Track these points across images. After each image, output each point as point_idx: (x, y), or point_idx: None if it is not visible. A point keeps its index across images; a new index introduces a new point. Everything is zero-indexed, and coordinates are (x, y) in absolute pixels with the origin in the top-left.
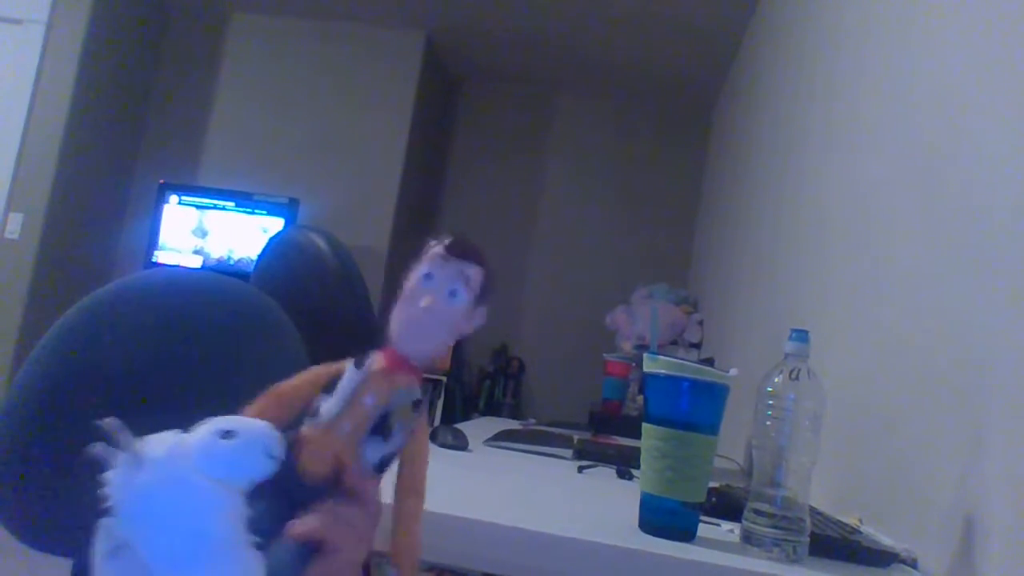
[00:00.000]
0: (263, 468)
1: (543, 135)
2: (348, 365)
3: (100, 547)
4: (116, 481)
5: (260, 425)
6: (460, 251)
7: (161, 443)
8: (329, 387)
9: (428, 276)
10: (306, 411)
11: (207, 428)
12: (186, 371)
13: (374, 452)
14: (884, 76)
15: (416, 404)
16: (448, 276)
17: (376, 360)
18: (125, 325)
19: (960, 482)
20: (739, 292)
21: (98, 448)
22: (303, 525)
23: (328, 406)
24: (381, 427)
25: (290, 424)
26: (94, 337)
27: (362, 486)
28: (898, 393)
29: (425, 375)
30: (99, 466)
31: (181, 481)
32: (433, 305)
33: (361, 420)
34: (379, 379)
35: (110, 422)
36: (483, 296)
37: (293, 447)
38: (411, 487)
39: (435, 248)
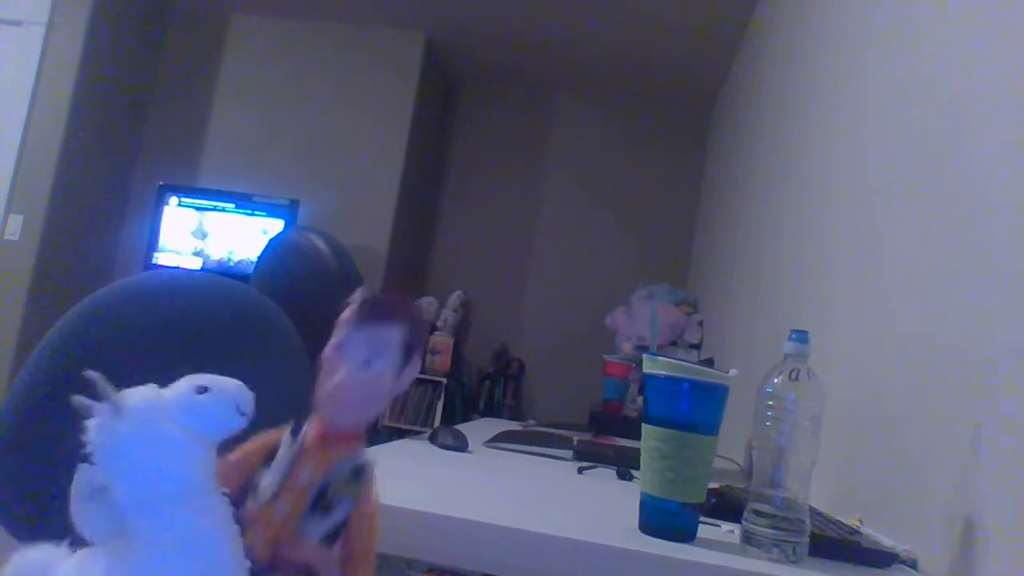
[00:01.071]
0: (233, 423)
1: (543, 135)
2: (285, 437)
3: (77, 489)
4: (96, 428)
5: (233, 383)
6: (372, 314)
7: (139, 394)
8: (270, 457)
9: (341, 346)
10: (251, 484)
11: (183, 383)
12: (185, 373)
13: (316, 528)
14: (885, 74)
15: (357, 471)
16: (361, 345)
17: (310, 432)
18: (125, 326)
19: (960, 483)
20: (739, 292)
21: (81, 398)
22: None
23: (267, 482)
24: (320, 502)
25: (240, 494)
26: (94, 339)
27: (311, 561)
28: (898, 393)
29: (425, 376)
30: (82, 415)
31: (156, 428)
32: (348, 379)
33: (298, 498)
34: (313, 453)
35: (93, 374)
36: (410, 354)
37: (243, 526)
38: (350, 555)
39: (346, 313)
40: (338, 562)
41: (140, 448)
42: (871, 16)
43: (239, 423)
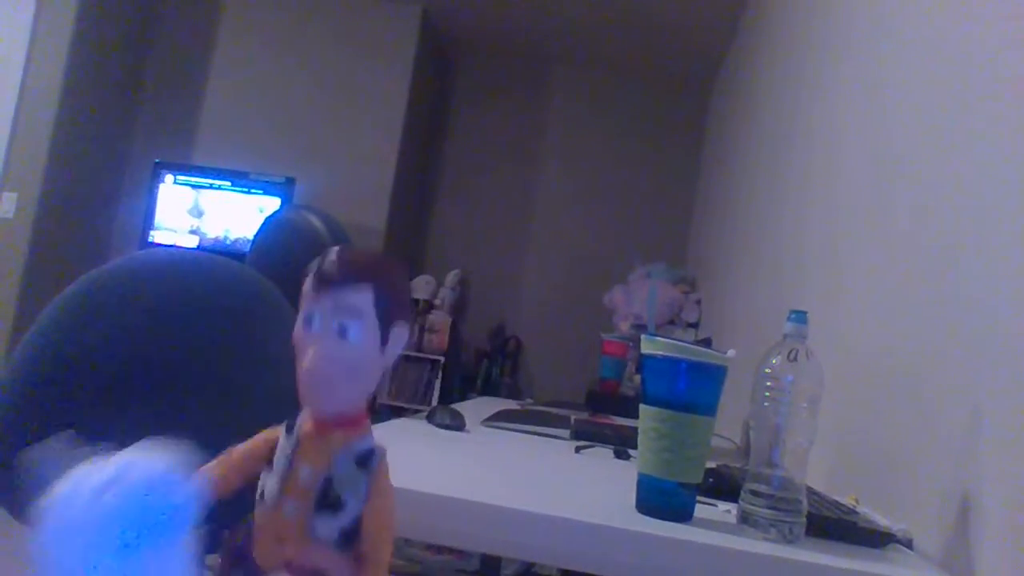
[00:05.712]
0: (156, 510)
1: (541, 110)
2: (282, 431)
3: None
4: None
5: (138, 466)
6: (334, 277)
7: (55, 510)
8: (271, 457)
9: (307, 319)
10: (257, 486)
11: (91, 483)
12: (180, 350)
13: (327, 528)
14: (898, 41)
15: (363, 459)
16: (328, 313)
17: (305, 422)
18: (119, 306)
19: (956, 462)
20: (738, 271)
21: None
22: None
23: (269, 485)
24: (326, 500)
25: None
26: (88, 318)
27: (324, 567)
28: (896, 373)
29: (422, 355)
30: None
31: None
32: (323, 354)
33: (302, 496)
34: (311, 445)
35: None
36: (392, 314)
37: (248, 537)
38: (364, 552)
39: (306, 282)
40: (353, 563)
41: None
42: None
43: (166, 508)
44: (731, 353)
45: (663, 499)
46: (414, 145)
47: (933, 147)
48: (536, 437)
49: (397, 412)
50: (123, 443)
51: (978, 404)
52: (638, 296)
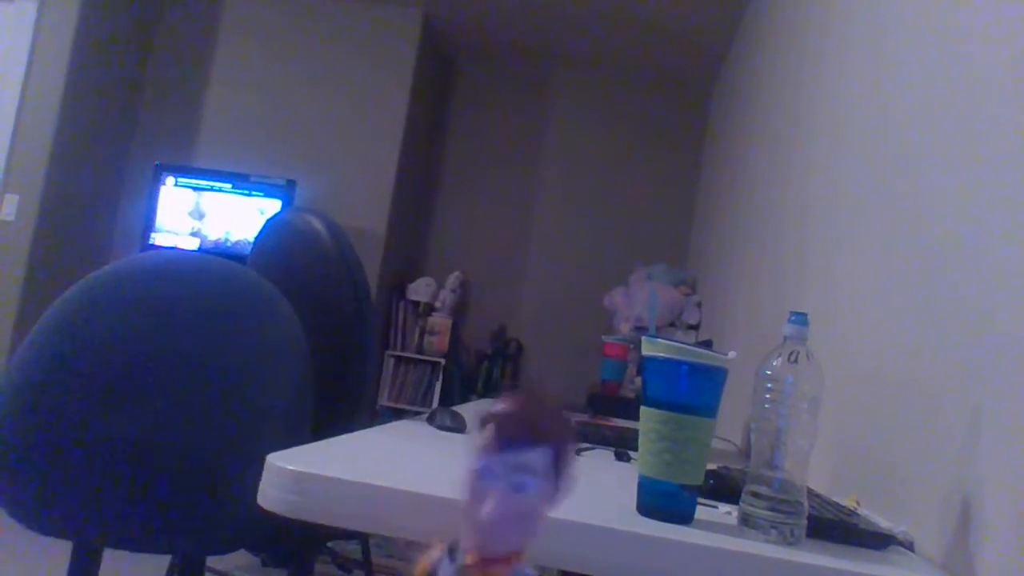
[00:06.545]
0: None
1: (541, 112)
2: (443, 556)
3: None
4: None
5: None
6: (514, 436)
7: None
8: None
9: (484, 472)
10: None
11: None
12: (182, 350)
13: None
14: (902, 43)
15: None
16: (507, 469)
17: (469, 554)
18: (122, 307)
19: (957, 463)
20: (739, 273)
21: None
22: None
23: None
24: None
25: None
26: (90, 320)
27: None
28: (897, 374)
29: (423, 357)
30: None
31: None
32: (498, 508)
33: None
34: (474, 572)
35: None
36: (563, 469)
37: None
38: None
39: (485, 434)
40: None
41: None
42: None
43: None
44: (732, 355)
45: (664, 501)
46: (415, 147)
47: (933, 148)
48: None
49: (398, 414)
50: (123, 441)
51: (978, 404)
52: (639, 298)
